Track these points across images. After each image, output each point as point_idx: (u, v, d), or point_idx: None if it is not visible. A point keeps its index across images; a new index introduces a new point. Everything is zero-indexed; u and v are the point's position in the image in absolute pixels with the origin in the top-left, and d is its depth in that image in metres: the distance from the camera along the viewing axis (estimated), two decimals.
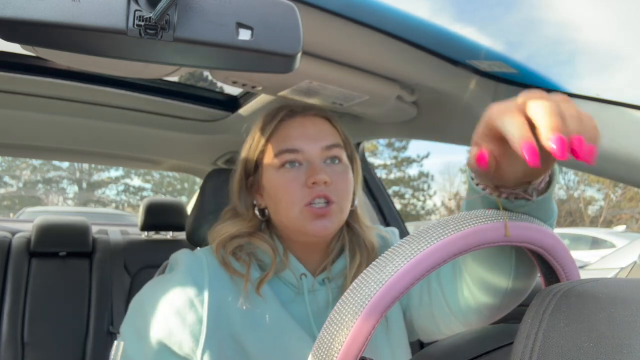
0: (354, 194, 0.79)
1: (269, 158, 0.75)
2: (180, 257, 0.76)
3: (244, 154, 0.80)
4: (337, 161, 0.75)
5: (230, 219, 0.79)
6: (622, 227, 8.59)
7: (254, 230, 0.77)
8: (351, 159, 0.79)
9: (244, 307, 0.70)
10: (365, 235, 0.80)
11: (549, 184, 0.50)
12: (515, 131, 0.37)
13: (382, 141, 19.17)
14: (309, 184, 0.70)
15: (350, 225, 0.80)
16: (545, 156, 0.38)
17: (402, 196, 19.79)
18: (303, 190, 0.71)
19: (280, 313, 0.71)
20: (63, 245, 1.55)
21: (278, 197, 0.73)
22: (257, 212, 0.78)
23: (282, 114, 0.76)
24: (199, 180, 2.02)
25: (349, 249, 0.79)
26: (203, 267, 0.72)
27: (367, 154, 1.57)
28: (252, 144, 0.78)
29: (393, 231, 0.90)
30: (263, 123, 0.78)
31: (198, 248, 0.79)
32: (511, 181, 0.46)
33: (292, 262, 0.76)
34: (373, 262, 0.38)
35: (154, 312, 0.69)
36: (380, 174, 17.43)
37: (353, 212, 0.80)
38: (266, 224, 0.79)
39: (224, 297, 0.70)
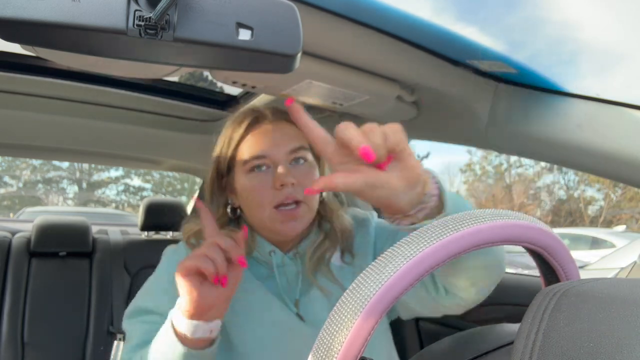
0: None
1: (239, 163, 0.81)
2: (164, 252, 0.87)
3: (215, 156, 0.86)
4: (302, 161, 0.80)
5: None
6: (622, 227, 8.59)
7: (221, 226, 0.83)
8: (318, 157, 0.84)
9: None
10: (335, 225, 0.85)
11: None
12: (353, 140, 0.51)
13: None
14: (277, 187, 0.75)
15: (321, 214, 0.86)
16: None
17: None
18: (272, 192, 0.76)
19: (257, 288, 0.80)
20: (63, 245, 1.55)
21: (249, 199, 0.79)
22: (229, 210, 0.85)
23: (249, 120, 0.81)
24: (199, 180, 2.02)
25: (317, 231, 0.86)
26: (182, 254, 0.81)
27: None
28: (223, 149, 0.83)
29: (372, 214, 0.94)
30: (232, 129, 0.83)
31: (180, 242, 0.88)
32: (406, 207, 0.56)
33: (260, 241, 0.83)
34: (373, 262, 0.38)
35: (146, 291, 0.81)
36: None
37: (323, 203, 0.85)
38: (236, 221, 0.86)
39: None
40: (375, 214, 0.95)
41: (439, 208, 0.58)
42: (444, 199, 0.58)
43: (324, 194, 0.85)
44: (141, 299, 0.81)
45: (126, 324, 0.79)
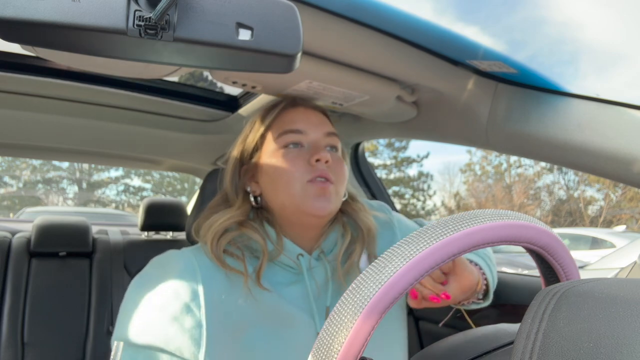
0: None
1: (270, 141, 0.77)
2: (169, 260, 0.73)
3: (240, 142, 0.83)
4: (335, 150, 0.79)
5: (219, 208, 0.79)
6: (622, 227, 8.59)
7: (244, 219, 0.77)
8: (342, 155, 0.83)
9: (243, 303, 0.70)
10: (360, 218, 0.82)
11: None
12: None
13: (382, 141, 19.17)
14: (312, 162, 0.73)
15: (345, 212, 0.83)
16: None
17: (402, 196, 19.78)
18: (306, 167, 0.73)
19: (278, 301, 0.72)
20: (63, 245, 1.55)
21: (278, 175, 0.74)
22: (251, 198, 0.79)
23: (284, 103, 0.81)
24: (199, 180, 2.02)
25: (342, 227, 0.82)
26: (194, 268, 0.70)
27: (367, 154, 1.57)
28: (252, 132, 0.81)
29: (390, 212, 0.93)
30: (264, 112, 0.81)
31: (184, 248, 0.77)
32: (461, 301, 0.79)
33: (287, 245, 0.76)
34: (372, 263, 0.38)
35: (147, 319, 0.66)
36: (380, 174, 17.42)
37: (346, 202, 0.83)
38: (256, 212, 0.79)
39: (219, 295, 0.69)
40: (393, 212, 0.94)
41: (486, 291, 0.82)
42: (490, 285, 0.82)
43: (348, 193, 0.83)
44: (135, 325, 0.66)
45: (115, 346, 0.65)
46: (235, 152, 0.83)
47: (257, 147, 0.79)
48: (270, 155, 0.77)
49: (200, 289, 0.68)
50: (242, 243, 0.75)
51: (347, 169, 0.80)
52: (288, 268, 0.76)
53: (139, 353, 0.65)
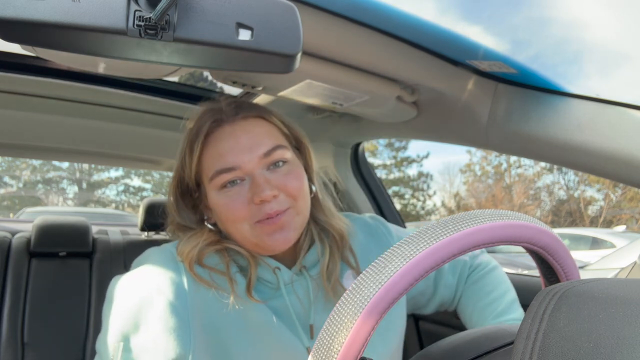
0: (311, 183, 0.75)
1: (206, 179, 0.69)
2: (151, 258, 0.71)
3: (177, 173, 0.74)
4: (281, 164, 0.69)
5: (184, 233, 0.74)
6: (622, 227, 8.60)
7: (218, 238, 0.72)
8: (299, 148, 0.75)
9: (229, 311, 0.67)
10: (330, 223, 0.77)
11: None
12: None
13: (382, 141, 19.19)
14: (256, 202, 0.66)
15: (314, 216, 0.77)
16: None
17: (402, 196, 19.79)
18: (250, 207, 0.66)
19: (266, 315, 0.69)
20: (63, 246, 1.55)
21: (224, 217, 0.68)
22: (209, 226, 0.74)
23: (208, 125, 0.69)
24: None
25: (318, 241, 0.77)
26: (180, 268, 0.68)
27: (367, 154, 1.57)
28: (186, 164, 0.72)
29: (384, 223, 0.88)
30: (190, 138, 0.71)
31: (166, 245, 0.74)
32: None
33: (262, 258, 0.72)
34: (373, 263, 0.38)
35: (134, 320, 0.64)
36: (380, 174, 17.43)
37: (313, 201, 0.76)
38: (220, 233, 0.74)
39: (204, 299, 0.67)
40: (390, 225, 0.89)
41: None
42: None
43: (314, 189, 0.76)
44: (122, 326, 0.64)
45: None
46: (173, 183, 0.74)
47: (199, 181, 0.72)
48: (211, 194, 0.69)
49: (186, 288, 0.66)
50: (230, 257, 0.72)
51: (302, 174, 0.71)
52: (267, 283, 0.72)
53: (126, 354, 0.63)
